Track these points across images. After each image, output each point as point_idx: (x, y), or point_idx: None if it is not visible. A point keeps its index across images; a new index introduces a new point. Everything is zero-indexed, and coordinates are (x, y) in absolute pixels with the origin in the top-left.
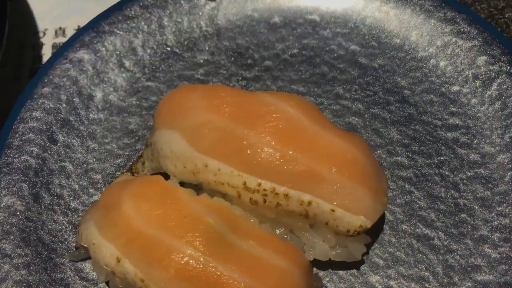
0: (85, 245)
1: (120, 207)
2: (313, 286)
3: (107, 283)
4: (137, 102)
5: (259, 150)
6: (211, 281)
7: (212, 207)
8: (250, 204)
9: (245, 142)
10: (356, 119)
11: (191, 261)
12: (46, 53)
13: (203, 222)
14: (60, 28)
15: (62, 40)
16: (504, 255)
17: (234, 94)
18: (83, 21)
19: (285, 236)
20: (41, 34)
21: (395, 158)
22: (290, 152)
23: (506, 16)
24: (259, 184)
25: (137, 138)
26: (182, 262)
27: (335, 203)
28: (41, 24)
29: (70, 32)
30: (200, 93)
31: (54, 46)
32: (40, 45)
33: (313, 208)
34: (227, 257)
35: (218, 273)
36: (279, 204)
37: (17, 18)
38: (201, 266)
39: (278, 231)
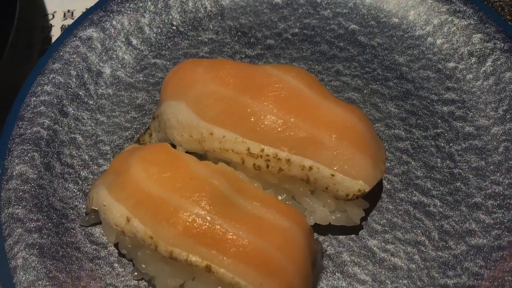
0: (96, 208)
1: (129, 170)
2: (314, 248)
3: (116, 245)
4: (144, 78)
5: (262, 118)
6: (216, 237)
7: (218, 171)
8: (254, 170)
9: (249, 110)
10: (356, 94)
11: (197, 219)
12: (55, 35)
13: (209, 184)
14: (68, 11)
15: (70, 22)
16: (498, 220)
17: (238, 66)
18: (91, 4)
19: (287, 202)
20: (50, 17)
21: (393, 131)
22: (292, 120)
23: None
24: (262, 150)
25: (144, 112)
26: (189, 220)
27: (335, 168)
28: (50, 7)
29: (78, 14)
30: (205, 67)
31: (62, 28)
32: (49, 27)
33: (314, 173)
34: (232, 216)
35: (224, 230)
36: (282, 169)
37: (26, 1)
38: (207, 223)
39: (280, 197)
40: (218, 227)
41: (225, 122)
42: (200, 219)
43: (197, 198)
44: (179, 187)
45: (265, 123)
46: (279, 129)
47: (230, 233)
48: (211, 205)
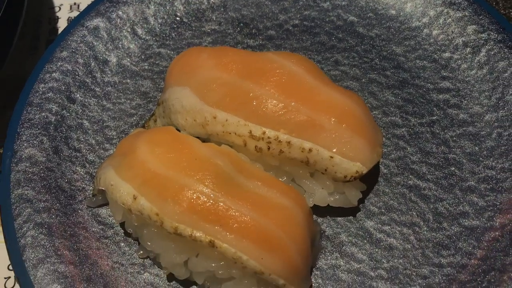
0: (103, 188)
1: (135, 151)
2: (313, 228)
3: (121, 226)
4: (149, 67)
5: (264, 102)
6: (220, 214)
7: (221, 152)
8: (255, 152)
9: (251, 95)
10: (354, 83)
11: (201, 197)
12: (62, 27)
13: (213, 163)
14: (74, 3)
15: (76, 14)
16: (490, 203)
17: (241, 53)
18: None
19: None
20: (56, 9)
21: (390, 118)
22: (293, 104)
23: None
24: (264, 133)
25: (149, 99)
26: (194, 197)
27: (334, 150)
28: (56, 0)
29: (84, 7)
30: (208, 54)
31: (69, 20)
32: (55, 19)
33: (313, 155)
34: (234, 194)
35: (227, 207)
36: (282, 151)
37: None
38: (211, 201)
39: (281, 180)
40: (221, 204)
41: (228, 106)
42: (204, 196)
43: (201, 176)
44: (184, 167)
45: (267, 106)
46: (280, 112)
47: (233, 210)
48: (214, 183)
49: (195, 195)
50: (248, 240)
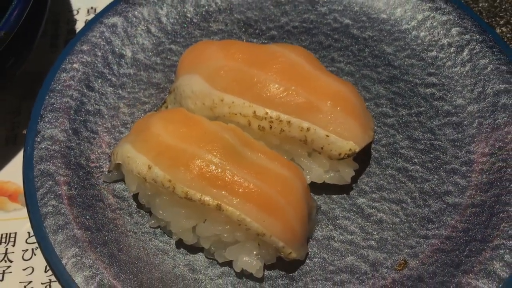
0: (120, 162)
1: (150, 128)
2: (310, 203)
3: (135, 199)
4: (161, 61)
5: (267, 86)
6: (226, 180)
7: (228, 128)
8: (258, 131)
9: (255, 80)
10: (349, 78)
11: (210, 165)
12: (79, 28)
13: (220, 137)
14: (91, 7)
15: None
16: (471, 183)
17: (247, 45)
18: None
19: None
20: (74, 12)
21: (381, 109)
22: (293, 88)
23: (480, 5)
24: (266, 113)
25: (160, 89)
26: (203, 165)
27: (329, 129)
28: (75, 4)
29: None
30: (217, 46)
31: (86, 22)
32: (74, 21)
33: (311, 134)
34: (240, 163)
35: (232, 175)
36: (283, 130)
37: None
38: (218, 169)
39: None
40: (228, 172)
41: (234, 90)
42: (212, 165)
43: (210, 148)
44: (194, 140)
45: (270, 90)
46: (281, 95)
47: (238, 177)
48: (222, 154)
49: (204, 163)
50: (252, 204)
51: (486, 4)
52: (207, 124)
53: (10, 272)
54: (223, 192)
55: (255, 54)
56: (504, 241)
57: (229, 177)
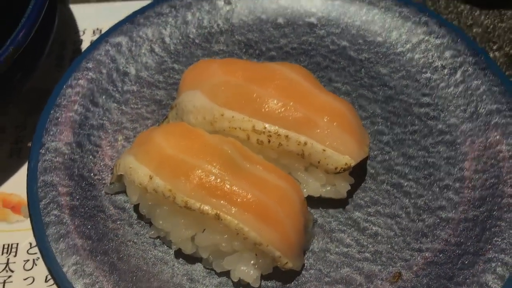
0: (122, 173)
1: (152, 140)
2: (307, 216)
3: (135, 210)
4: (164, 79)
5: (266, 101)
6: (225, 190)
7: (227, 141)
8: (257, 145)
9: (255, 95)
10: (346, 97)
11: (210, 175)
12: (85, 48)
13: (220, 149)
14: (97, 29)
15: None
16: (464, 199)
17: (247, 63)
18: None
19: None
20: (81, 33)
21: (377, 127)
22: (291, 103)
23: (474, 31)
24: (265, 127)
25: (163, 105)
26: (203, 176)
27: (326, 144)
28: (81, 25)
29: None
30: (218, 64)
31: (91, 42)
32: (79, 42)
33: (308, 148)
34: (239, 174)
35: (231, 185)
36: (281, 144)
37: (61, 19)
38: (218, 179)
39: None
40: (227, 182)
41: (234, 105)
42: (212, 175)
43: (210, 159)
44: (195, 151)
45: (268, 105)
46: (279, 110)
47: (237, 188)
48: (221, 165)
49: (204, 174)
50: (250, 213)
51: (480, 29)
52: (207, 137)
53: (11, 282)
54: (222, 201)
55: (255, 71)
56: (496, 255)
57: (228, 187)
